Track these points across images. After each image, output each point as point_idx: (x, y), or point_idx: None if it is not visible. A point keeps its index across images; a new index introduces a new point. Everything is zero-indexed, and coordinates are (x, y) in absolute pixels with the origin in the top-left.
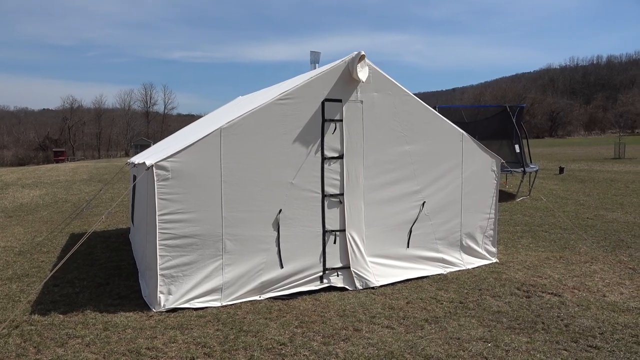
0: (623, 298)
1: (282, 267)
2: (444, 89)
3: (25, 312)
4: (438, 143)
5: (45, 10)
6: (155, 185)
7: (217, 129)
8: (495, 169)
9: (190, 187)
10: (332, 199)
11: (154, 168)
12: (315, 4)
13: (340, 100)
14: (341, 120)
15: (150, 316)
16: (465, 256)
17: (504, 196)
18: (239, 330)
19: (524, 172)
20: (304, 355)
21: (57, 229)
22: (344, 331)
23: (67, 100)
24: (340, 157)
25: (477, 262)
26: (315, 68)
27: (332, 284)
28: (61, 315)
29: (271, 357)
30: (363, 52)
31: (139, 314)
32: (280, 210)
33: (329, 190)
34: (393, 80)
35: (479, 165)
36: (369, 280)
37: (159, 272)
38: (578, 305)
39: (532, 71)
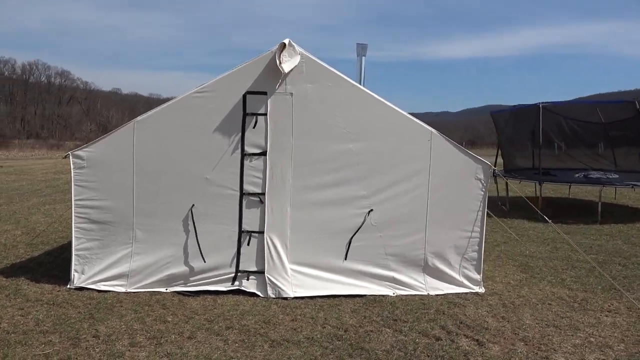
0: None
1: (191, 262)
2: None
3: None
4: (395, 142)
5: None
6: (72, 172)
7: (131, 121)
8: (481, 176)
9: (104, 176)
10: (252, 198)
11: (70, 156)
12: None
13: (265, 93)
14: (265, 114)
15: (58, 291)
16: (430, 280)
17: (625, 215)
18: (89, 316)
19: None
20: (86, 352)
21: None
22: (173, 336)
23: None
24: (264, 153)
25: (447, 289)
26: (362, 61)
27: (244, 288)
28: (4, 279)
29: (57, 349)
30: (286, 41)
31: (54, 287)
32: (192, 205)
33: (249, 188)
34: (335, 71)
35: (456, 172)
36: (283, 290)
37: (74, 252)
38: None
39: None
